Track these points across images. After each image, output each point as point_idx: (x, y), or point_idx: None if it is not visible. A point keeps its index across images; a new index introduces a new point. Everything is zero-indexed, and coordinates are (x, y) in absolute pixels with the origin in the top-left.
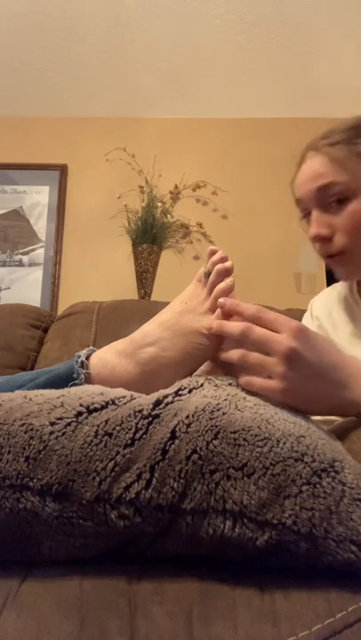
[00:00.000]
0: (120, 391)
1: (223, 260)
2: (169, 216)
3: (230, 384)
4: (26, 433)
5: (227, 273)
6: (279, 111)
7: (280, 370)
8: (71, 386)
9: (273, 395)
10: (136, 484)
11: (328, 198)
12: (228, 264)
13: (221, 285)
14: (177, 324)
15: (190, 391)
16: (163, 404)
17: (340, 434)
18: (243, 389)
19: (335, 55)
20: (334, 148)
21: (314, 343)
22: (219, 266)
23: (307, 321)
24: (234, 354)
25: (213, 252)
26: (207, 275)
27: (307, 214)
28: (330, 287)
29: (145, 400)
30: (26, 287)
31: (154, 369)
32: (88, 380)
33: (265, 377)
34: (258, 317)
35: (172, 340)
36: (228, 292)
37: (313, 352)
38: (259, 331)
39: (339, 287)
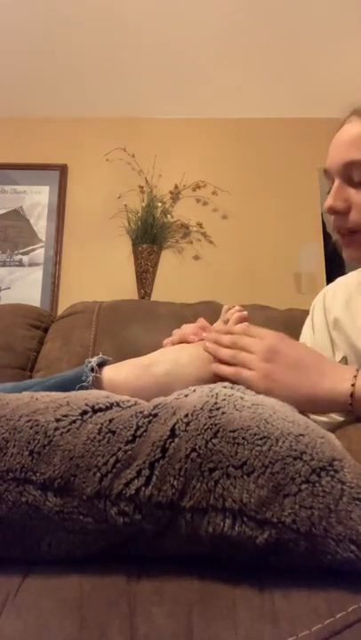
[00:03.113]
0: (125, 396)
1: (240, 310)
2: (169, 216)
3: (224, 387)
4: (31, 428)
5: (242, 319)
6: (279, 111)
7: (261, 364)
8: (79, 389)
9: (255, 382)
10: (136, 480)
11: (355, 175)
12: (243, 313)
13: (238, 327)
14: (198, 349)
15: (187, 395)
16: (161, 405)
17: (339, 433)
18: (238, 389)
19: (336, 55)
20: None
21: (292, 343)
22: (237, 314)
23: (318, 312)
24: (225, 352)
25: (229, 308)
26: (225, 322)
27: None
28: (346, 276)
29: (147, 404)
30: (26, 287)
31: (169, 381)
32: (98, 385)
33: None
34: (245, 331)
35: (190, 357)
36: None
37: (291, 349)
38: (245, 339)
39: (356, 275)
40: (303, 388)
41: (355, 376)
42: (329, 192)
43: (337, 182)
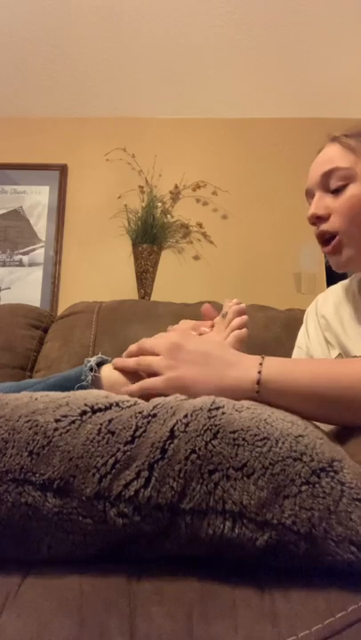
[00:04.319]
0: (125, 396)
1: (238, 304)
2: (169, 216)
3: None
4: (30, 429)
5: (241, 312)
6: (279, 111)
7: (165, 363)
8: (78, 388)
9: (162, 387)
10: (135, 481)
11: (332, 183)
12: (241, 306)
13: (237, 320)
14: None
15: (187, 398)
16: (160, 405)
17: (335, 436)
18: None
19: (336, 55)
20: (348, 139)
21: (196, 338)
22: (235, 307)
23: (311, 317)
24: (130, 361)
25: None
26: (223, 315)
27: None
28: (338, 284)
29: (147, 404)
30: (26, 287)
31: None
32: (97, 385)
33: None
34: (154, 337)
35: None
36: (242, 325)
37: (195, 344)
38: (150, 340)
39: (347, 284)
40: (211, 382)
41: (260, 364)
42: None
43: (317, 194)
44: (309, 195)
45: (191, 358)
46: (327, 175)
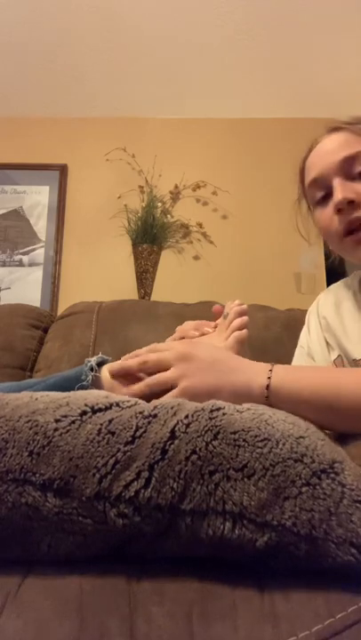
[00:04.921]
0: (125, 396)
1: (240, 304)
2: (169, 216)
3: None
4: (31, 429)
5: (242, 313)
6: (279, 111)
7: (177, 374)
8: (78, 388)
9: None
10: (135, 482)
11: (354, 169)
12: (243, 307)
13: (237, 321)
14: None
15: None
16: (161, 405)
17: (336, 439)
18: None
19: (335, 55)
20: (355, 127)
21: (202, 346)
22: (236, 308)
23: (313, 317)
24: (133, 362)
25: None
26: (225, 316)
27: (321, 199)
28: (339, 282)
29: (147, 404)
30: (26, 287)
31: None
32: (98, 385)
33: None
34: (151, 349)
35: None
36: (242, 326)
37: (202, 351)
38: (153, 355)
39: (348, 282)
40: (223, 388)
41: (270, 370)
42: (318, 203)
43: (337, 180)
44: (318, 184)
45: (202, 366)
46: (351, 159)
